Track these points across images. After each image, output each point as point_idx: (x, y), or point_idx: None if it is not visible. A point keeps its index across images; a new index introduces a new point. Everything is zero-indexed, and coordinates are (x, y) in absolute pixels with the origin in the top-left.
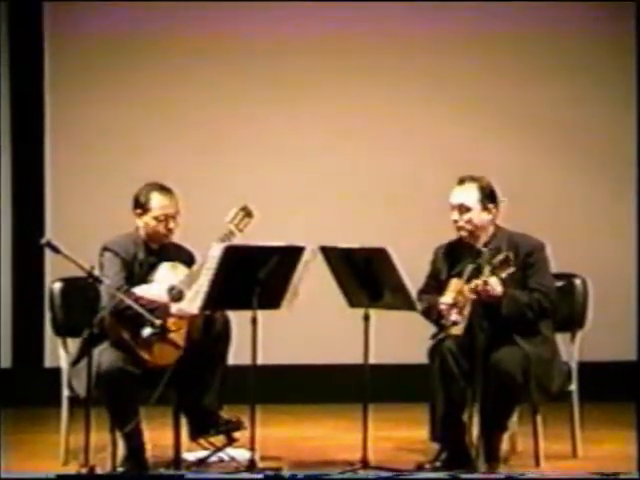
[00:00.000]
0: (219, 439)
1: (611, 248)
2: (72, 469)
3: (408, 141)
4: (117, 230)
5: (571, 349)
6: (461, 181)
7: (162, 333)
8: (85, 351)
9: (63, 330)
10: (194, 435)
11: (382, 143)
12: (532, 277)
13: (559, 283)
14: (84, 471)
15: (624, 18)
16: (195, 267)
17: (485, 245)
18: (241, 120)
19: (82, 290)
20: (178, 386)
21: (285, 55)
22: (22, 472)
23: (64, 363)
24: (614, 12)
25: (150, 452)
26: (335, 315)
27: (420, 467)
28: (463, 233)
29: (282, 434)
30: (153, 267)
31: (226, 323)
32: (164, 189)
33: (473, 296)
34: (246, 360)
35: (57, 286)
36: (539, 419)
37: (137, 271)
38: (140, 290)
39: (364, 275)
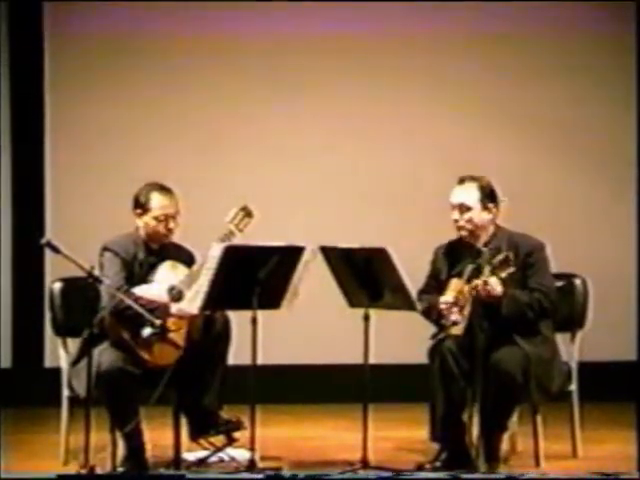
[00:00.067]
0: (219, 439)
1: (611, 248)
2: (72, 469)
3: (408, 141)
4: (117, 230)
5: (571, 349)
6: (461, 181)
7: (162, 333)
8: (85, 351)
9: (63, 330)
10: (194, 435)
11: (382, 143)
12: (532, 277)
13: (559, 283)
14: (84, 471)
15: (624, 18)
16: (195, 267)
17: (485, 245)
18: (241, 120)
19: (82, 290)
20: (178, 386)
21: (285, 55)
22: (22, 472)
23: (64, 363)
24: (614, 12)
25: (150, 452)
26: (335, 315)
27: (420, 467)
28: (463, 233)
29: (282, 434)
30: (153, 267)
31: (226, 323)
32: (164, 189)
33: (473, 295)
34: (246, 360)
35: (57, 286)
36: (539, 419)
37: (137, 271)
38: (140, 290)
39: (364, 275)
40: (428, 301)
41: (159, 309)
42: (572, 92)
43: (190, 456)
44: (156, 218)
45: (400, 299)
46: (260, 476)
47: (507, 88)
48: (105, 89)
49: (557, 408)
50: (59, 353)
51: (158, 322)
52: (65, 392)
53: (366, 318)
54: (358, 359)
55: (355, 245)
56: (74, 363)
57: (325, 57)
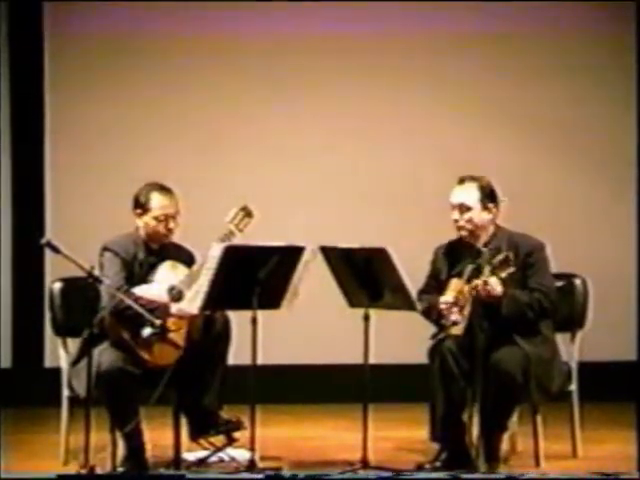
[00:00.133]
0: (219, 439)
1: (611, 248)
2: (72, 469)
3: (408, 141)
4: (117, 230)
5: (571, 349)
6: (461, 181)
7: (162, 333)
8: (85, 351)
9: (63, 330)
10: (194, 435)
11: (382, 143)
12: (532, 277)
13: (559, 283)
14: (84, 471)
15: (624, 18)
16: (195, 267)
17: (485, 245)
18: (241, 120)
19: (82, 290)
20: (178, 386)
21: (285, 55)
22: (22, 472)
23: (64, 363)
24: (614, 12)
25: (150, 452)
26: (335, 315)
27: (420, 467)
28: (463, 233)
29: (282, 434)
30: (153, 267)
31: (226, 323)
32: (164, 189)
33: (473, 295)
34: (246, 360)
35: (57, 286)
36: (539, 419)
37: (137, 271)
38: (140, 290)
39: (364, 275)
40: (428, 301)
41: (159, 309)
42: (572, 92)
43: (190, 456)
44: (156, 218)
45: (400, 299)
46: (260, 476)
47: (507, 88)
48: (105, 89)
49: (557, 408)
50: (59, 353)
51: (158, 322)
52: (65, 392)
53: (366, 318)
54: (358, 359)
55: (355, 245)
56: (74, 363)
57: (325, 57)
